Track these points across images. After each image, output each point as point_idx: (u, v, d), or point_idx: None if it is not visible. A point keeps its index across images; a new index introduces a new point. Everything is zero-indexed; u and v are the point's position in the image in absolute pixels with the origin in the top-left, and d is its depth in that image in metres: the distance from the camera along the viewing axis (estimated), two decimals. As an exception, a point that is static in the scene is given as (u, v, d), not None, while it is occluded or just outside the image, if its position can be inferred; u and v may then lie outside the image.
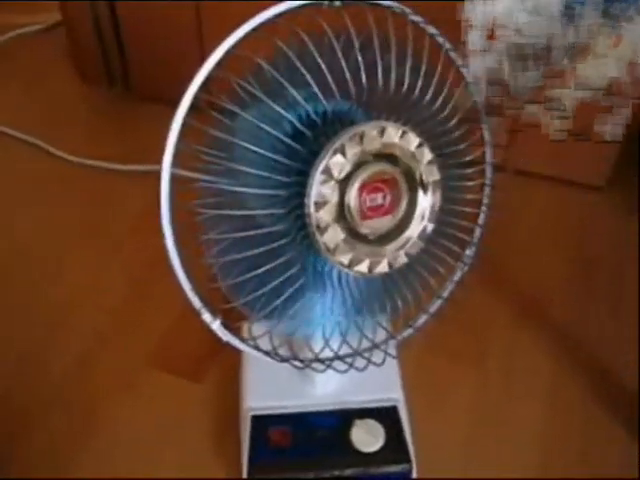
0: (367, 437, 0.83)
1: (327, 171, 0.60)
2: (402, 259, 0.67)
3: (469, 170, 0.73)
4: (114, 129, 1.51)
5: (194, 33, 1.42)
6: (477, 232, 0.76)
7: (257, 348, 0.74)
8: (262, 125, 0.61)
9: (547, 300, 1.12)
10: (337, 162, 0.60)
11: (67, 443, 0.91)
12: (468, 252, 0.77)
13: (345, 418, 0.85)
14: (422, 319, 0.80)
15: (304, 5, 0.63)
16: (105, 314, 1.08)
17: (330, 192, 0.61)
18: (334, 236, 0.62)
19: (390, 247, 0.66)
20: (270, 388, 0.88)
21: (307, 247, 0.64)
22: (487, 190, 0.75)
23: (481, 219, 0.76)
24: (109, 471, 0.88)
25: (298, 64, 0.60)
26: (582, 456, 0.91)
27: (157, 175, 1.35)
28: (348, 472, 0.82)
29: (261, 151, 0.61)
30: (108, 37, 1.51)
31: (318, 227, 0.62)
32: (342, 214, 0.62)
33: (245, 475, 0.81)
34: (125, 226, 1.24)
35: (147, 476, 0.87)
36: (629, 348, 1.04)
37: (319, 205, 0.61)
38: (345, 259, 0.64)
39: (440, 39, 0.68)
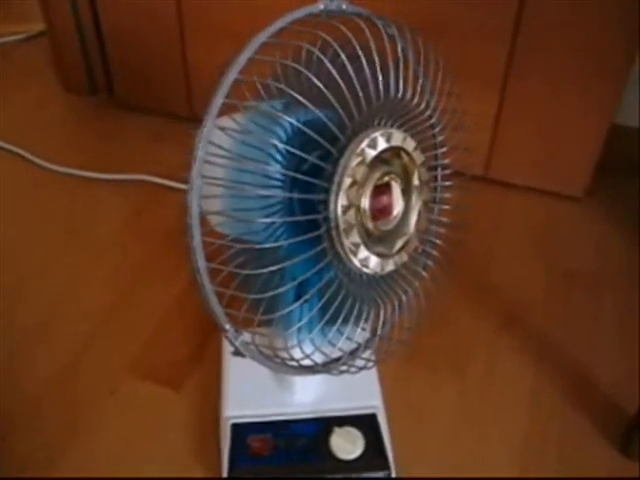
0: (346, 444, 0.83)
1: (352, 175, 0.62)
2: (404, 257, 0.69)
3: (447, 171, 0.76)
4: (97, 137, 1.51)
5: (177, 43, 1.42)
6: (432, 227, 0.77)
7: (284, 364, 0.73)
8: (306, 129, 0.62)
9: (527, 309, 1.14)
10: (360, 166, 0.62)
11: (50, 447, 0.91)
12: (425, 248, 0.77)
13: (324, 426, 0.85)
14: (396, 314, 0.80)
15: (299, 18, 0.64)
16: (87, 321, 1.08)
17: (355, 195, 0.62)
18: (356, 238, 0.63)
19: (396, 246, 0.68)
20: (250, 396, 0.88)
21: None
22: (439, 189, 0.77)
23: (435, 214, 0.78)
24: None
25: (335, 75, 0.61)
26: (560, 462, 0.92)
27: (139, 183, 1.37)
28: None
29: (306, 156, 0.62)
30: (91, 46, 1.51)
31: (344, 230, 0.63)
32: (359, 217, 0.63)
33: (225, 483, 0.82)
34: (107, 234, 1.25)
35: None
36: (609, 356, 1.05)
37: (345, 209, 0.62)
38: (364, 260, 0.65)
39: (409, 53, 0.70)
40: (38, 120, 1.54)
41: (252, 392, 0.88)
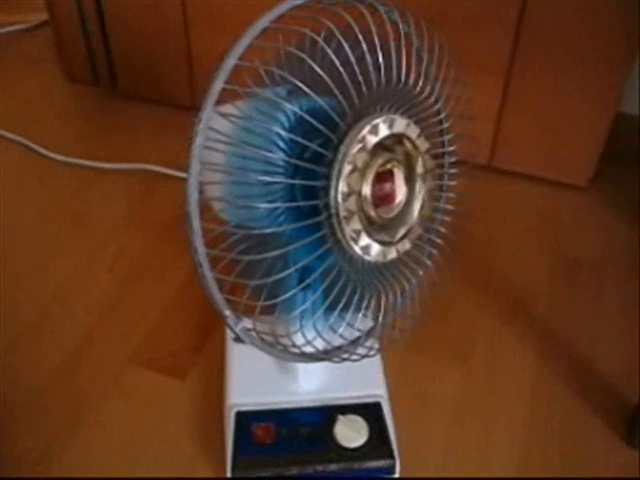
0: (350, 433, 0.83)
1: (353, 162, 0.61)
2: (407, 245, 0.69)
3: (452, 159, 0.76)
4: (100, 127, 1.51)
5: (180, 33, 1.42)
6: (437, 215, 0.77)
7: (285, 351, 0.73)
8: (306, 116, 0.62)
9: (531, 298, 1.13)
10: (361, 153, 0.61)
11: (51, 440, 0.91)
12: (430, 236, 0.77)
13: (328, 414, 0.85)
14: (399, 302, 0.80)
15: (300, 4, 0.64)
16: (90, 312, 1.08)
17: (355, 182, 0.62)
18: (357, 225, 0.63)
19: (398, 234, 0.68)
20: (254, 384, 0.88)
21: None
22: (446, 177, 0.77)
23: (442, 202, 0.77)
24: (93, 468, 0.88)
25: (335, 61, 0.61)
26: (563, 452, 0.92)
27: (142, 173, 1.37)
28: (332, 468, 0.82)
29: (307, 143, 0.62)
30: (94, 36, 1.51)
31: (344, 217, 0.62)
32: (360, 204, 0.63)
33: (229, 471, 0.82)
34: (110, 223, 1.25)
35: (131, 473, 0.87)
36: (611, 346, 1.05)
37: (345, 195, 0.62)
38: (365, 248, 0.65)
39: (413, 39, 0.69)
40: (41, 110, 1.53)
41: (256, 380, 0.88)
